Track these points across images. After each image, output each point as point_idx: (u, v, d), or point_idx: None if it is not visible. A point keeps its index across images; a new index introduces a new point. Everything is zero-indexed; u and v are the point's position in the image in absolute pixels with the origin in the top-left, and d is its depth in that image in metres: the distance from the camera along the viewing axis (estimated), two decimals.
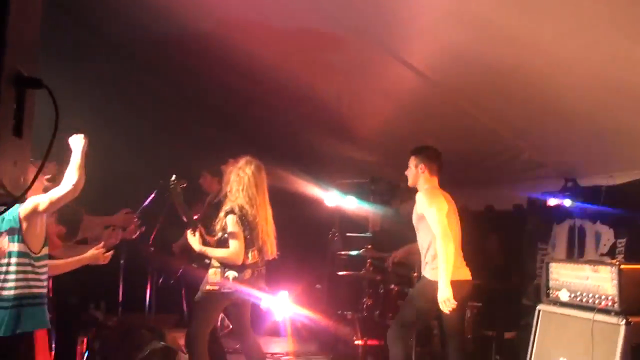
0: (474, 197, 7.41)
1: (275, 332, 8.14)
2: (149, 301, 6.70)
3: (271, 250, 5.27)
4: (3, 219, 3.75)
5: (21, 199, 1.80)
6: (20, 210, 3.73)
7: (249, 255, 5.11)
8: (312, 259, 8.86)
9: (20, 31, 1.75)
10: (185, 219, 5.22)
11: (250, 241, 5.11)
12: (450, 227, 4.94)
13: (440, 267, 4.83)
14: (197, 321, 5.13)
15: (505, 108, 5.50)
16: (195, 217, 5.35)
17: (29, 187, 1.81)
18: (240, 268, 5.05)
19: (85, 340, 6.78)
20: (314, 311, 7.57)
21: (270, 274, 6.33)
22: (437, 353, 6.20)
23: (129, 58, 8.18)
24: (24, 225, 3.75)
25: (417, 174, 5.21)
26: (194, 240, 5.15)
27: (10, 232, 3.78)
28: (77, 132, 3.96)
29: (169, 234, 6.51)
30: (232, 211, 5.09)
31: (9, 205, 1.80)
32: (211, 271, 5.13)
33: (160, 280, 6.62)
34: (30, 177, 1.83)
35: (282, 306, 7.73)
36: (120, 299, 7.27)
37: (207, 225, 5.31)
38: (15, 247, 3.75)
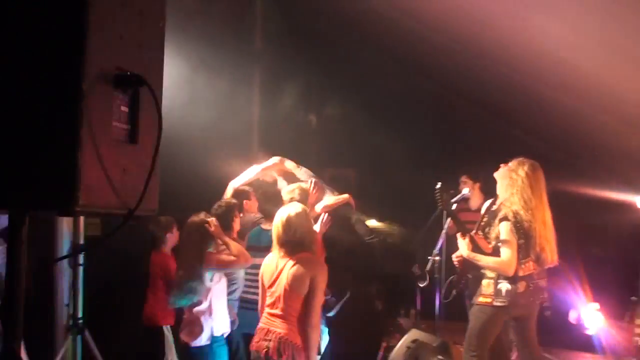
0: None
1: (589, 348, 7.00)
2: (439, 310, 6.28)
3: (551, 257, 4.45)
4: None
5: (136, 210, 1.54)
6: None
7: (523, 265, 4.35)
8: (627, 268, 7.49)
9: (113, 27, 1.50)
10: (457, 226, 4.71)
11: (525, 250, 4.38)
12: None
13: None
14: (471, 334, 4.54)
15: None
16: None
17: (142, 196, 1.54)
18: (513, 279, 4.35)
19: (385, 344, 6.65)
20: (627, 325, 6.30)
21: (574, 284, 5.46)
22: None
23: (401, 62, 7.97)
24: None
25: None
26: (462, 244, 4.59)
27: None
28: None
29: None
30: (505, 218, 4.44)
31: (125, 218, 1.55)
32: (484, 282, 4.53)
33: (444, 291, 6.14)
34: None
35: (593, 319, 6.63)
36: (419, 307, 6.98)
37: (486, 234, 4.70)
38: None
